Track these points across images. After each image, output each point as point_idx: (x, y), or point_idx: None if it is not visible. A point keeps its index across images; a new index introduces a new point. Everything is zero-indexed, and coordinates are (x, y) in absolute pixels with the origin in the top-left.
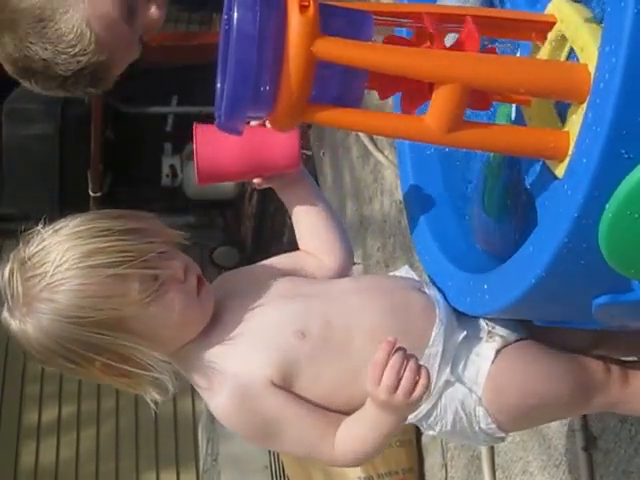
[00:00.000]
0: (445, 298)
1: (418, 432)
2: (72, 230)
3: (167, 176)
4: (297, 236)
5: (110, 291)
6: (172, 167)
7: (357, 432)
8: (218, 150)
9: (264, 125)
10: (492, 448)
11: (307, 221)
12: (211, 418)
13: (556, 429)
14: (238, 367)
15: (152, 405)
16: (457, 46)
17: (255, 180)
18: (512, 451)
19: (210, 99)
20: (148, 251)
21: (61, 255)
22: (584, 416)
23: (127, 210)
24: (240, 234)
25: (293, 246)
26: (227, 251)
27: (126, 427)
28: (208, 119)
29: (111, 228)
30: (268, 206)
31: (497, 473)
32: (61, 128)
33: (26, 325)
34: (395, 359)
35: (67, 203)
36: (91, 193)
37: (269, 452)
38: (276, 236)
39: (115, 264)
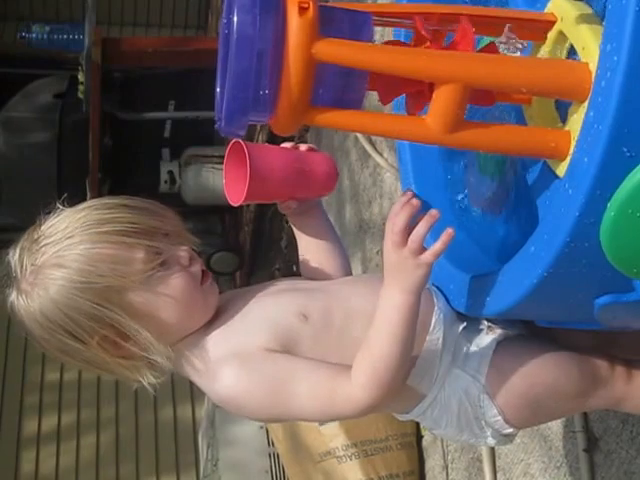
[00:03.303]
0: (446, 299)
1: (419, 435)
2: (86, 205)
3: (165, 182)
4: (300, 261)
5: (115, 258)
6: (170, 173)
7: (369, 341)
8: (268, 169)
9: (298, 148)
10: (493, 450)
11: (313, 250)
12: (211, 423)
13: (557, 431)
14: (238, 343)
15: (150, 389)
16: (452, 46)
17: (290, 204)
18: (513, 453)
19: (207, 104)
20: (156, 227)
21: (72, 224)
22: (585, 417)
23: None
24: (238, 240)
25: (291, 250)
26: (225, 257)
27: (126, 434)
28: (206, 123)
29: (124, 204)
30: (266, 210)
31: (498, 475)
32: (59, 136)
33: (32, 295)
34: (407, 209)
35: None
36: None
37: (269, 456)
38: (274, 240)
39: (122, 232)
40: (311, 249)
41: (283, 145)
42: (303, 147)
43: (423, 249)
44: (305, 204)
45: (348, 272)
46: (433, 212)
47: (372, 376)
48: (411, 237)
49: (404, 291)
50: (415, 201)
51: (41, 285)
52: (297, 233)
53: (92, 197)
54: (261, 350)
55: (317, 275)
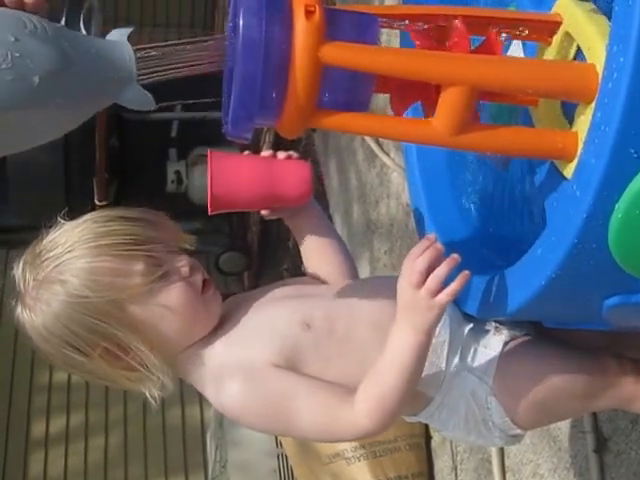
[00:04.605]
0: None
1: (427, 436)
2: (85, 218)
3: (172, 182)
4: (304, 263)
5: (114, 271)
6: (177, 173)
7: (377, 373)
8: (232, 180)
9: (276, 156)
10: (502, 451)
11: (314, 250)
12: (219, 424)
13: (566, 431)
14: (241, 356)
15: (152, 402)
16: (448, 48)
17: (263, 212)
18: (522, 454)
19: (215, 104)
20: (156, 238)
21: (72, 238)
22: (594, 418)
23: (145, 208)
24: (246, 240)
25: (298, 250)
26: (233, 257)
27: (134, 435)
28: (213, 124)
29: (125, 216)
30: None
31: (507, 476)
32: (66, 137)
33: (35, 310)
34: (430, 251)
35: (73, 212)
36: (97, 202)
37: (278, 457)
38: (282, 240)
39: (121, 245)
40: (310, 250)
41: (263, 153)
42: (281, 155)
43: (440, 290)
44: (292, 209)
45: (351, 270)
46: (455, 256)
47: (377, 406)
48: (431, 277)
49: (416, 330)
50: (439, 245)
51: (43, 300)
52: (294, 235)
53: (99, 197)
54: (266, 365)
55: (320, 275)
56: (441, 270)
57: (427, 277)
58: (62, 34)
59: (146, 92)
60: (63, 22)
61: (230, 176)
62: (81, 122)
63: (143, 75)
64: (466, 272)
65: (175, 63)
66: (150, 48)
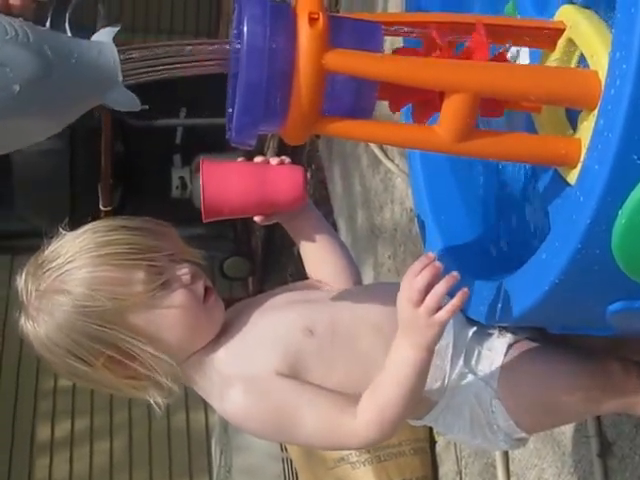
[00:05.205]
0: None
1: (432, 440)
2: (86, 228)
3: (177, 188)
4: (306, 266)
5: (116, 280)
6: (182, 179)
7: (379, 385)
8: (224, 188)
9: (268, 162)
10: (506, 455)
11: (315, 252)
12: (224, 429)
13: (570, 436)
14: (245, 364)
15: (157, 409)
16: (466, 55)
17: (256, 218)
18: (526, 458)
19: (219, 110)
20: (157, 247)
21: (73, 248)
22: (599, 422)
23: (149, 217)
24: (250, 245)
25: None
26: (237, 262)
27: (139, 440)
28: (218, 130)
29: (126, 226)
30: None
31: None
32: (71, 143)
33: (38, 321)
34: (429, 269)
35: (78, 218)
36: (102, 207)
37: (282, 461)
38: (286, 245)
39: (122, 254)
40: (310, 251)
41: (255, 159)
42: (274, 161)
43: (439, 308)
44: (288, 213)
45: (353, 271)
46: (454, 273)
47: (377, 418)
48: (429, 295)
49: (417, 348)
50: (438, 263)
51: (46, 310)
52: (293, 238)
53: (104, 203)
54: (270, 374)
55: (321, 277)
56: (440, 288)
57: (426, 295)
58: (44, 39)
59: (133, 95)
60: (49, 22)
61: (222, 183)
62: (67, 124)
63: (129, 76)
64: (465, 289)
65: (162, 65)
66: (135, 49)
